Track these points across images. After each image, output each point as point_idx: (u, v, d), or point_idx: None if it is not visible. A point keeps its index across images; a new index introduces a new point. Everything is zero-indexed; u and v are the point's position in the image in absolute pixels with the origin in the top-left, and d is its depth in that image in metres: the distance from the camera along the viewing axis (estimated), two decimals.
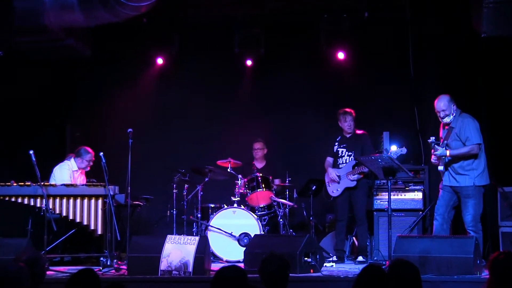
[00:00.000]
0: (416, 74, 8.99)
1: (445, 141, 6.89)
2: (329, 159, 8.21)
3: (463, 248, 6.19)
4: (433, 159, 6.99)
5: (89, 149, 8.28)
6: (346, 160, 8.09)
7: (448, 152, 6.80)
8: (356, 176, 7.92)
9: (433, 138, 6.85)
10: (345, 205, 8.08)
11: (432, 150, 6.90)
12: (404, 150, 7.20)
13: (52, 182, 7.95)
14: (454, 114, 6.88)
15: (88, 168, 8.36)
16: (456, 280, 5.98)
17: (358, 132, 8.16)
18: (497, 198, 7.73)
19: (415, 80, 9.00)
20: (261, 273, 4.19)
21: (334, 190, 8.11)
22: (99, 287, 3.90)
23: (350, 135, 8.15)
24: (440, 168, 6.94)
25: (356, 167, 7.94)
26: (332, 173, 8.07)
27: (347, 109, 8.13)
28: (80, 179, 8.31)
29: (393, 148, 7.59)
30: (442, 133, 7.05)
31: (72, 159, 8.34)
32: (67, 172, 8.21)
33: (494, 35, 7.42)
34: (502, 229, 7.61)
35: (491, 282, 3.78)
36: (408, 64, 8.96)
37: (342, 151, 8.13)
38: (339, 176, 8.04)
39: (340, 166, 8.10)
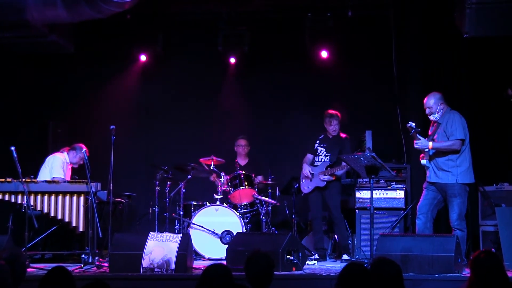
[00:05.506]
0: (399, 73, 9.04)
1: (431, 136, 6.92)
2: (309, 156, 8.25)
3: (444, 246, 6.23)
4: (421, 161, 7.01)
5: (83, 146, 8.18)
6: (322, 159, 8.14)
7: (430, 144, 6.82)
8: (327, 177, 7.97)
9: (413, 123, 6.79)
10: (317, 202, 8.13)
11: (415, 141, 6.89)
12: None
13: (44, 169, 7.99)
14: (440, 112, 6.89)
15: (77, 166, 8.31)
16: (437, 279, 6.02)
17: (342, 135, 8.20)
18: (478, 197, 7.79)
19: (398, 78, 9.05)
20: (247, 271, 4.18)
21: (305, 187, 8.19)
22: (73, 285, 3.85)
23: (333, 136, 8.19)
24: (423, 162, 6.95)
25: (329, 168, 7.98)
26: (306, 169, 8.13)
27: (334, 112, 8.15)
28: (68, 174, 8.27)
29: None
30: (430, 130, 7.08)
31: (65, 153, 8.29)
32: (60, 160, 8.16)
33: (477, 35, 7.47)
34: (483, 228, 7.65)
35: (472, 280, 3.79)
36: (391, 62, 8.99)
37: (321, 150, 8.17)
38: (312, 174, 8.08)
39: (316, 164, 8.15)
